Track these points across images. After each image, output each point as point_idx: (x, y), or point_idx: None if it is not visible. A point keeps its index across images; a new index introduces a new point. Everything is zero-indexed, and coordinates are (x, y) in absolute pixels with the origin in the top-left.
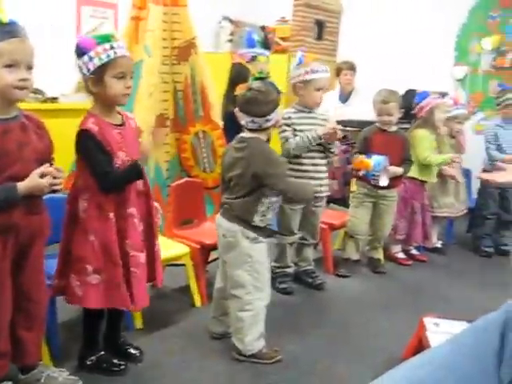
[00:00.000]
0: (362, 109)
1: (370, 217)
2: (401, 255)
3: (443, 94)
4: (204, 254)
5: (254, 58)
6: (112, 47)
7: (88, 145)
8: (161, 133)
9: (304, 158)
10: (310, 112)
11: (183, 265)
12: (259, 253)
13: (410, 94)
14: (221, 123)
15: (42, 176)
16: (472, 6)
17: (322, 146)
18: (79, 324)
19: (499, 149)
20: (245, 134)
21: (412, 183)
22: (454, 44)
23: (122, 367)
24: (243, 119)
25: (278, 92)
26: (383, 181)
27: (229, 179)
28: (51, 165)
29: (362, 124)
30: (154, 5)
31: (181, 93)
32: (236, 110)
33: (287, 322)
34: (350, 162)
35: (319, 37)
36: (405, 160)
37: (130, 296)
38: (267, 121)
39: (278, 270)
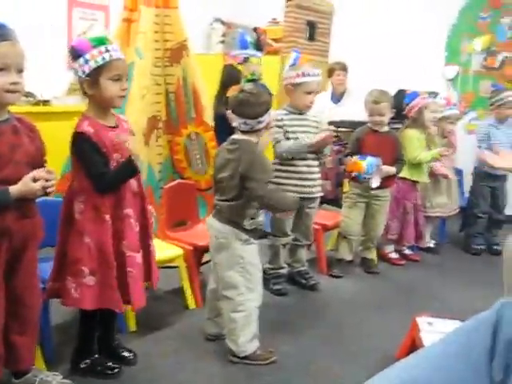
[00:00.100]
0: (354, 109)
1: (362, 217)
2: (394, 255)
3: (435, 94)
4: (197, 255)
5: (246, 60)
6: (107, 50)
7: (83, 147)
8: None
9: (297, 159)
10: (301, 114)
11: (177, 267)
12: (251, 254)
13: (402, 95)
14: (212, 124)
15: (35, 180)
16: (462, 7)
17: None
18: (73, 327)
19: (491, 148)
20: (237, 136)
21: (404, 183)
22: (445, 44)
23: (116, 370)
24: (235, 121)
25: (270, 94)
26: (374, 183)
27: (219, 180)
28: (44, 167)
29: (354, 124)
30: (145, 7)
31: (173, 95)
32: (228, 111)
33: (281, 322)
34: (342, 163)
35: (311, 38)
36: (397, 160)
37: (127, 296)
38: (259, 122)
39: (271, 272)
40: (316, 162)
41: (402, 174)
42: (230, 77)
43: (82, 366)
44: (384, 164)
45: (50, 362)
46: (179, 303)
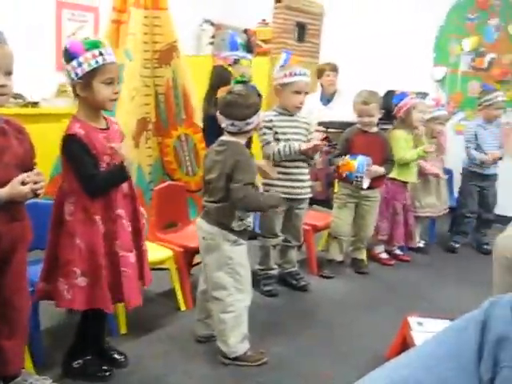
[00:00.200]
0: (344, 110)
1: (352, 218)
2: (384, 255)
3: (424, 95)
4: (188, 257)
5: (236, 61)
6: (101, 53)
7: (74, 148)
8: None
9: (286, 160)
10: (291, 115)
11: (167, 269)
12: (240, 255)
13: (391, 95)
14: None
15: (24, 183)
16: (450, 8)
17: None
18: (62, 330)
19: (478, 148)
20: (225, 137)
21: (393, 184)
22: (433, 46)
23: (108, 373)
24: (224, 122)
25: (260, 96)
26: (365, 183)
27: (208, 182)
28: (33, 170)
29: (343, 125)
30: (134, 8)
31: (162, 96)
32: (217, 113)
33: (272, 324)
34: (332, 164)
35: (301, 39)
36: (386, 160)
37: (121, 295)
38: (247, 124)
39: (262, 273)
40: (305, 164)
41: (391, 175)
42: (220, 78)
43: (74, 366)
44: (373, 164)
45: (40, 366)
46: (170, 305)
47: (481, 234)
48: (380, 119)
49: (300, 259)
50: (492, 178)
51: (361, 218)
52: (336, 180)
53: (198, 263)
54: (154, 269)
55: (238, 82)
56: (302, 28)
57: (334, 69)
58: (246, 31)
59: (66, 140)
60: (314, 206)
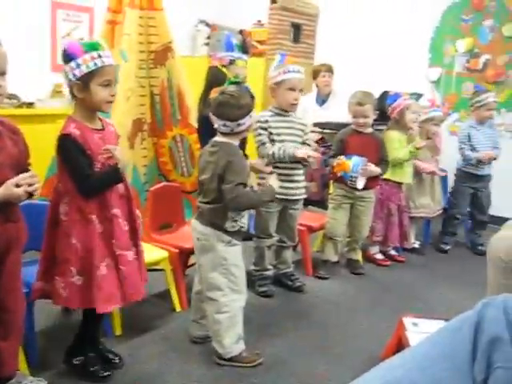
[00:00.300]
0: (339, 111)
1: (347, 218)
2: (379, 256)
3: (419, 96)
4: (183, 258)
5: (232, 62)
6: (100, 56)
7: (68, 148)
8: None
9: (281, 161)
10: (287, 116)
11: (162, 269)
12: (234, 255)
13: (385, 96)
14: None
15: (18, 185)
16: (445, 10)
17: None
18: (57, 331)
19: (472, 149)
20: (218, 138)
21: (387, 185)
22: (429, 46)
23: (107, 373)
24: (216, 123)
25: (252, 97)
26: (360, 184)
27: (202, 183)
28: (28, 171)
29: (338, 126)
30: (129, 8)
31: (158, 97)
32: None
33: (267, 324)
34: (328, 164)
35: (296, 40)
36: (381, 161)
37: (123, 293)
38: (239, 125)
39: (257, 273)
40: (300, 165)
41: (385, 176)
42: (216, 79)
43: (74, 363)
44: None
45: (35, 367)
46: (165, 306)
47: (475, 235)
48: (375, 120)
49: (295, 260)
50: (486, 178)
51: (356, 219)
52: (331, 181)
53: (193, 264)
54: (149, 270)
55: (231, 83)
56: (297, 29)
57: (330, 70)
58: (241, 32)
59: (60, 139)
60: (309, 206)
